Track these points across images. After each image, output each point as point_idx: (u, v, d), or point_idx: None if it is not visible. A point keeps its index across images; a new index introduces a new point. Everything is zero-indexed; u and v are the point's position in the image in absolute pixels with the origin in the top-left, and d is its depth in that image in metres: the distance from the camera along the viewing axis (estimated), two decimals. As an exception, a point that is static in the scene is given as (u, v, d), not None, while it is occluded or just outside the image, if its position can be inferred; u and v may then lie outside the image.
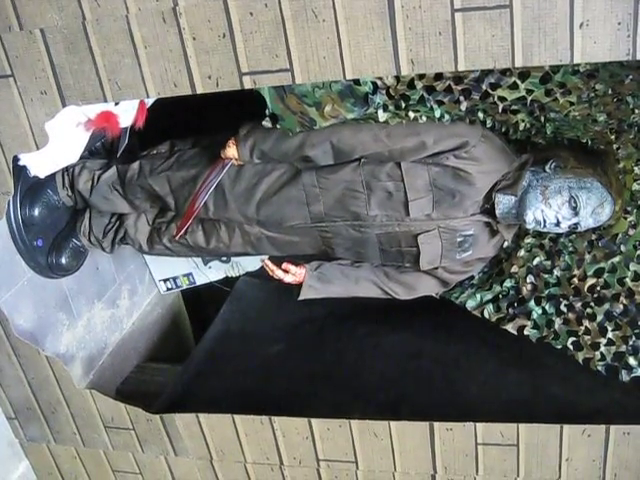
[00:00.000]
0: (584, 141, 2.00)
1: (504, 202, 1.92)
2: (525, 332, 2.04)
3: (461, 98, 1.82)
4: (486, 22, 1.37)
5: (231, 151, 2.00)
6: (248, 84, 1.56)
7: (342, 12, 1.42)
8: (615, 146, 1.98)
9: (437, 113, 1.86)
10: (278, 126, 1.93)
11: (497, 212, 1.93)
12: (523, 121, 1.95)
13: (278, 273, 2.10)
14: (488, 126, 1.95)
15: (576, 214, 1.87)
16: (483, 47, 1.39)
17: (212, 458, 2.08)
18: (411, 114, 1.87)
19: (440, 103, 1.84)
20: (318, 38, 1.47)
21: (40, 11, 1.57)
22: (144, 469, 2.21)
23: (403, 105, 1.84)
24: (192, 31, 1.52)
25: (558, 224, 1.90)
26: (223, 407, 2.04)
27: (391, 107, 1.85)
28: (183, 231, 2.17)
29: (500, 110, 1.85)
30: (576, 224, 1.90)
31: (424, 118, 1.88)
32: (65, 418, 2.19)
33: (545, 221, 1.90)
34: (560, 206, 1.88)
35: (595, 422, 1.72)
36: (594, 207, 1.87)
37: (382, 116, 1.84)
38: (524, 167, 1.93)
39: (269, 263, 2.10)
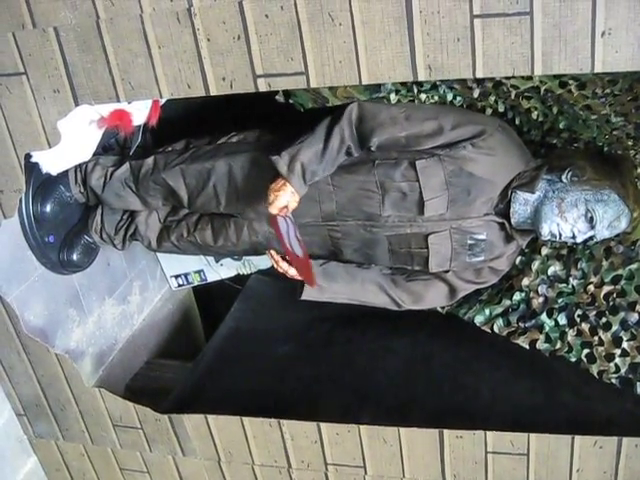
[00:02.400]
0: (600, 144, 1.98)
1: (520, 201, 1.90)
2: (537, 346, 2.02)
3: (473, 85, 1.84)
4: (506, 29, 1.35)
5: (284, 196, 1.87)
6: (262, 87, 1.55)
7: (359, 16, 1.41)
8: (632, 152, 1.96)
9: (449, 96, 1.91)
10: (291, 101, 1.99)
11: (512, 211, 1.92)
12: (536, 109, 1.95)
13: (282, 265, 2.06)
14: (500, 110, 1.96)
15: (592, 227, 1.86)
16: (502, 54, 1.37)
17: (220, 459, 2.08)
18: (422, 96, 1.91)
19: (452, 88, 1.87)
20: (334, 42, 1.45)
21: (54, 9, 1.57)
22: (152, 468, 2.21)
23: (415, 90, 1.88)
24: (207, 32, 1.51)
25: (574, 237, 1.89)
26: (232, 407, 2.03)
27: (403, 91, 1.90)
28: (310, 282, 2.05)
29: (512, 97, 1.87)
30: (592, 237, 1.89)
31: (436, 98, 1.92)
32: (74, 416, 2.19)
33: (561, 235, 1.89)
34: (576, 219, 1.86)
35: (607, 433, 1.70)
36: (610, 221, 1.85)
37: (394, 99, 1.91)
38: (541, 169, 1.91)
39: (274, 254, 2.07)
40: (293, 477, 2.04)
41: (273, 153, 1.90)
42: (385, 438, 1.86)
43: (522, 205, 1.90)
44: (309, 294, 2.09)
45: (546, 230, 1.89)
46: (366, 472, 1.94)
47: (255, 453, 2.02)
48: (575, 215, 1.86)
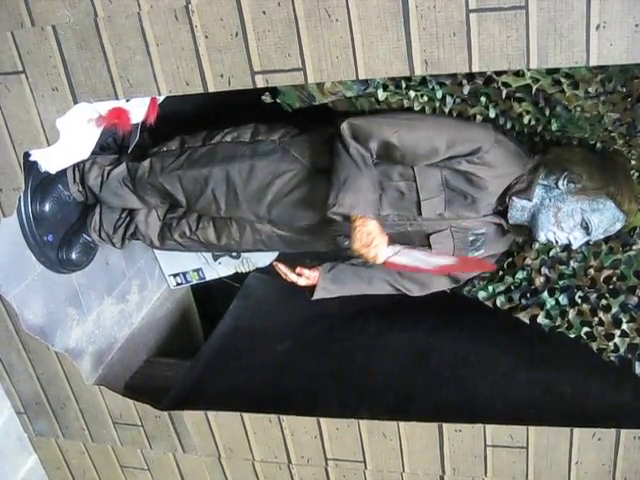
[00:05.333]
0: (592, 142, 1.98)
1: (517, 208, 1.91)
2: (538, 320, 2.03)
3: (464, 81, 1.81)
4: (501, 23, 1.36)
5: (378, 239, 1.81)
6: (260, 83, 1.55)
7: (355, 11, 1.42)
8: (625, 150, 1.97)
9: (439, 94, 1.86)
10: (278, 100, 1.99)
11: (509, 215, 1.93)
12: (528, 112, 1.92)
13: (291, 276, 2.09)
14: (492, 116, 1.91)
15: (588, 234, 1.89)
16: (498, 48, 1.38)
17: (220, 456, 2.08)
18: (412, 93, 1.87)
19: (442, 85, 1.84)
20: (331, 37, 1.46)
21: (52, 7, 1.57)
22: (152, 465, 2.22)
23: (404, 85, 1.85)
24: (204, 29, 1.52)
25: (570, 244, 1.92)
26: (231, 404, 2.04)
27: (391, 86, 1.87)
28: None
29: (504, 97, 1.83)
30: (587, 242, 1.94)
31: (425, 98, 1.88)
32: (74, 413, 2.20)
33: (557, 241, 1.92)
34: (572, 228, 1.89)
35: (605, 425, 1.71)
36: (606, 227, 1.88)
37: (381, 95, 1.87)
38: (537, 169, 1.92)
39: (282, 267, 2.09)
40: (293, 472, 2.04)
41: (324, 205, 1.85)
42: (385, 433, 1.87)
43: (519, 211, 1.92)
44: (320, 294, 2.13)
45: (542, 237, 1.92)
46: (366, 467, 1.95)
47: (255, 449, 2.03)
48: (571, 224, 1.88)
